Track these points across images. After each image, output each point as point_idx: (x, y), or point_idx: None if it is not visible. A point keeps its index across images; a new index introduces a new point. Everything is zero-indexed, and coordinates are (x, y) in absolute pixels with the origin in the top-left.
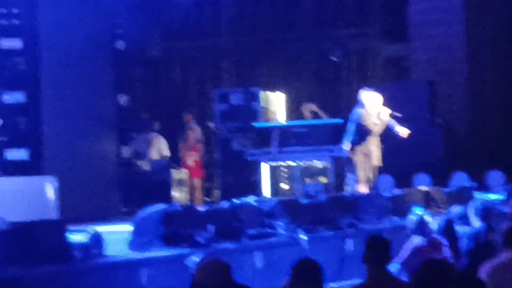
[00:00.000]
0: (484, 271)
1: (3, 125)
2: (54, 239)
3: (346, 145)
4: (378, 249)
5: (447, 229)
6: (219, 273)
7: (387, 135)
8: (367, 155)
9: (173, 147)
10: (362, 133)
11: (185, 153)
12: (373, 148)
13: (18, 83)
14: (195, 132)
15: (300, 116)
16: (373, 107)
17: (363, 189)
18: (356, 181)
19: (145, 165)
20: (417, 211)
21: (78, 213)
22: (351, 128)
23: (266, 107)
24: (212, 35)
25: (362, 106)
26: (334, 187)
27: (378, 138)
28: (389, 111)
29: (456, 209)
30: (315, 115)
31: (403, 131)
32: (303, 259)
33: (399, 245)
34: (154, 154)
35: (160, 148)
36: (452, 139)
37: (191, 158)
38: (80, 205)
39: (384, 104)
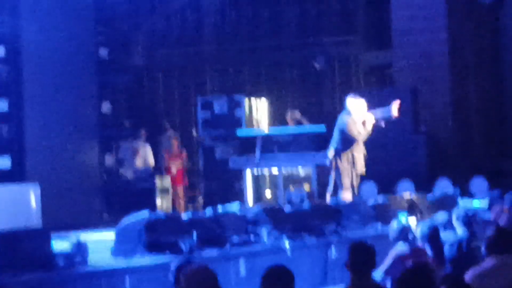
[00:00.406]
0: (468, 278)
1: None
2: (38, 247)
3: (330, 152)
4: (361, 256)
5: (432, 236)
6: (207, 281)
7: (370, 143)
8: (352, 162)
9: (156, 155)
10: (346, 140)
11: (169, 161)
12: (357, 155)
13: (1, 91)
14: (178, 140)
15: (284, 124)
16: (359, 114)
17: (347, 196)
18: (341, 188)
19: (128, 173)
20: (401, 218)
21: (61, 221)
22: (336, 135)
23: (249, 114)
24: (195, 42)
25: (348, 112)
26: (317, 194)
27: (363, 145)
28: (373, 120)
29: (440, 216)
30: (299, 123)
31: (394, 110)
32: (274, 266)
33: (383, 252)
34: (139, 163)
35: (146, 156)
36: (435, 146)
37: (175, 166)
38: (63, 213)
39: (368, 111)
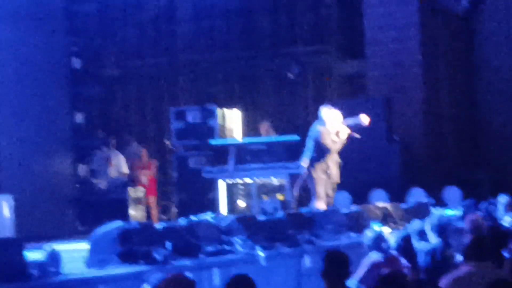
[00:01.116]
0: (444, 284)
1: None
2: (11, 257)
3: (304, 162)
4: (336, 265)
5: (405, 245)
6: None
7: (344, 152)
8: (327, 172)
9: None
10: (320, 150)
11: (139, 171)
12: (332, 165)
13: None
14: (146, 151)
15: (257, 133)
16: (333, 124)
17: (322, 205)
18: (315, 197)
19: (101, 183)
20: (375, 227)
21: (35, 232)
22: (309, 144)
23: (223, 124)
24: (168, 53)
25: (322, 122)
26: (291, 203)
27: (337, 155)
28: (348, 131)
29: (415, 225)
30: (269, 135)
31: (364, 119)
32: (236, 276)
33: (357, 261)
34: (112, 172)
35: (118, 165)
36: (409, 155)
37: (145, 177)
38: (37, 224)
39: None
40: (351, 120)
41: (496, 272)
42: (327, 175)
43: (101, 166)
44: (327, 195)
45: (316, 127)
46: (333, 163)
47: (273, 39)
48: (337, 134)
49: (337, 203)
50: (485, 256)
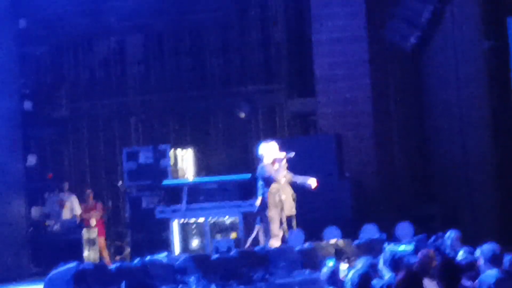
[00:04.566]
0: None
1: None
2: None
3: (258, 201)
4: None
5: (362, 282)
6: None
7: (295, 190)
8: (280, 207)
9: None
10: (267, 183)
11: (85, 213)
12: (285, 198)
13: None
14: (91, 192)
15: (209, 172)
16: (270, 155)
17: (275, 243)
18: (269, 236)
19: (55, 225)
20: (330, 263)
21: None
22: (259, 185)
23: (175, 164)
24: (119, 93)
25: (262, 158)
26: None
27: (289, 188)
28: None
29: (369, 260)
30: None
31: (312, 182)
32: None
33: None
34: (66, 214)
35: (73, 207)
36: (361, 192)
37: (94, 218)
38: None
39: (293, 158)
40: (301, 178)
41: None
42: (281, 209)
43: (54, 208)
44: (284, 229)
45: (259, 166)
46: (286, 196)
47: (223, 78)
48: (274, 162)
49: (290, 241)
50: None
